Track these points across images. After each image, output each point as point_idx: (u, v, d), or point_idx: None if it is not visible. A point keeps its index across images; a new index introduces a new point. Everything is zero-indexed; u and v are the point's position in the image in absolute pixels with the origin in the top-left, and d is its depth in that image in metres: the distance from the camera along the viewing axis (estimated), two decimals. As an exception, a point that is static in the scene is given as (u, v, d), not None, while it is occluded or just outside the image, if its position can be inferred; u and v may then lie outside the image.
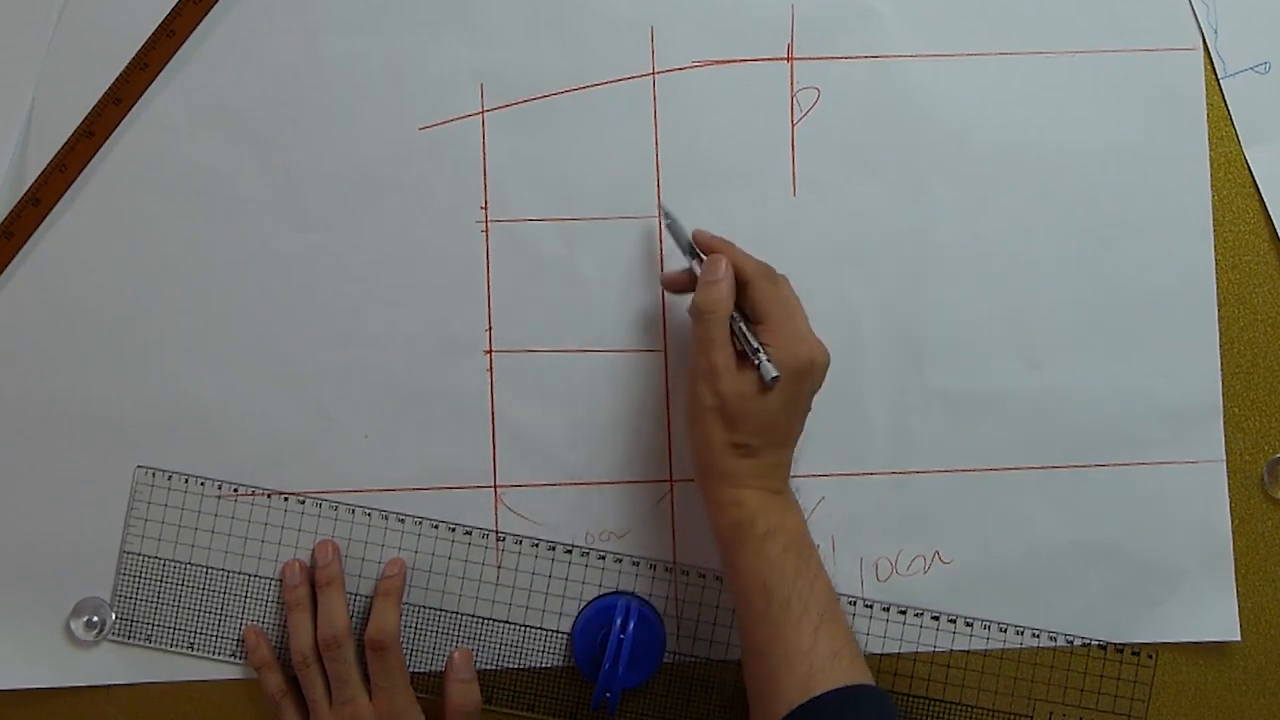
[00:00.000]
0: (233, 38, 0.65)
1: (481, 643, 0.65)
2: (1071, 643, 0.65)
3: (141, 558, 0.64)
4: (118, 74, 0.64)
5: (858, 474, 0.65)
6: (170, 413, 0.64)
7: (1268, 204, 0.67)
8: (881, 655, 0.65)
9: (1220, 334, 0.66)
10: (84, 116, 0.64)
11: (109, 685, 0.64)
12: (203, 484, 0.64)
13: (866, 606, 0.65)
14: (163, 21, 0.64)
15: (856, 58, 0.66)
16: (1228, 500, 0.66)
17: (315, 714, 0.62)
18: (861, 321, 0.65)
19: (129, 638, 0.64)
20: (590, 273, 0.65)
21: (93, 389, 0.64)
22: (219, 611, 0.64)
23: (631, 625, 0.62)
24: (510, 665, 0.65)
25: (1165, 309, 0.66)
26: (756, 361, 0.56)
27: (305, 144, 0.65)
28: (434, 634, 0.64)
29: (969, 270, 0.66)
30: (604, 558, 0.64)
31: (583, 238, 0.65)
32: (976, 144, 0.66)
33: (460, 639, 0.64)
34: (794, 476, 0.65)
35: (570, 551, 0.64)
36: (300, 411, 0.64)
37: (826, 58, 0.66)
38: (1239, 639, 0.65)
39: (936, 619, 0.65)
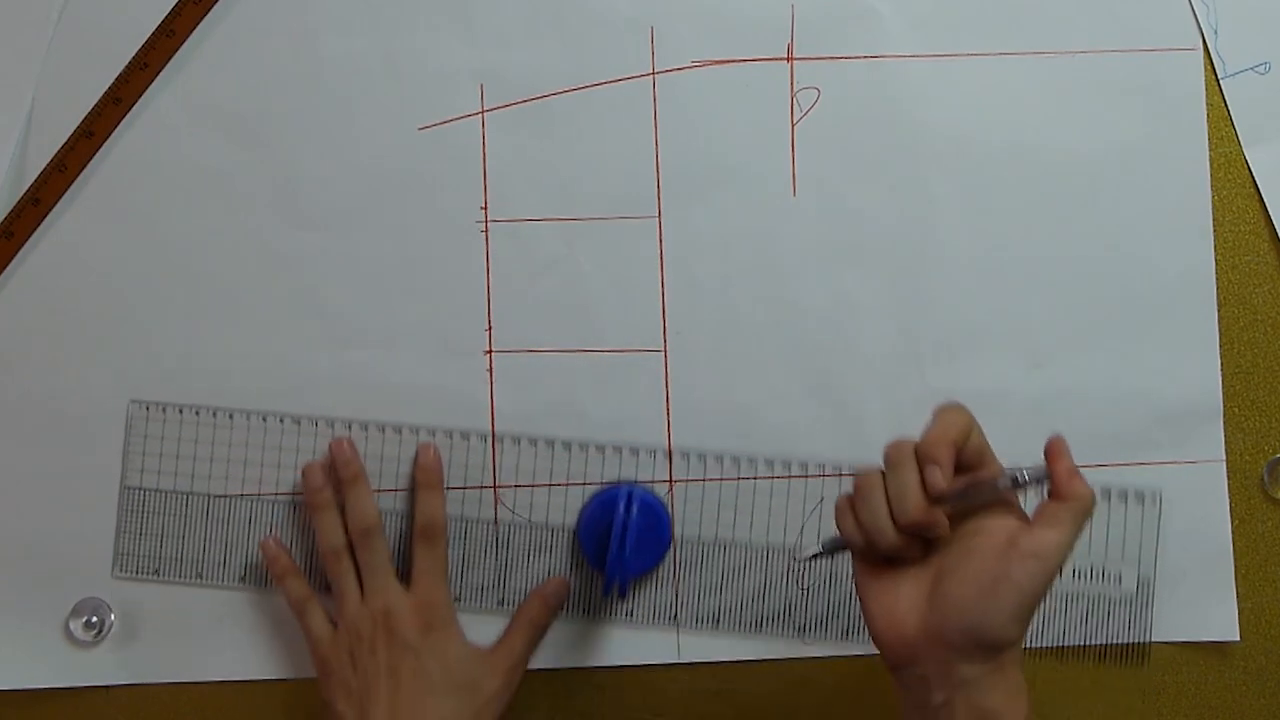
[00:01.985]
0: (233, 38, 0.65)
1: (487, 547, 0.64)
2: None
3: (142, 492, 0.64)
4: (118, 74, 0.64)
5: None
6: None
7: (1268, 204, 0.67)
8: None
9: (1220, 334, 0.66)
10: (84, 116, 0.64)
11: (109, 685, 0.64)
12: (198, 413, 0.64)
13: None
14: (163, 21, 0.64)
15: (856, 58, 0.66)
16: (1228, 500, 0.66)
17: (345, 607, 0.61)
18: (861, 321, 0.65)
19: (136, 573, 0.64)
20: (590, 273, 0.65)
21: (93, 389, 0.64)
22: (224, 538, 0.64)
23: (635, 509, 0.61)
24: (518, 566, 0.64)
25: (1165, 309, 0.66)
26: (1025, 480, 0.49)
27: (305, 144, 0.65)
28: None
29: (969, 270, 0.66)
30: (602, 450, 0.64)
31: (583, 238, 0.65)
32: (976, 144, 0.66)
33: (465, 544, 0.64)
34: (790, 477, 0.65)
35: (569, 448, 0.64)
36: (299, 412, 0.65)
37: (826, 58, 0.66)
38: (1238, 639, 0.65)
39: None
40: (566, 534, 0.65)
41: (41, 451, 0.64)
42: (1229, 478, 0.66)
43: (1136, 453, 0.66)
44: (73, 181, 0.64)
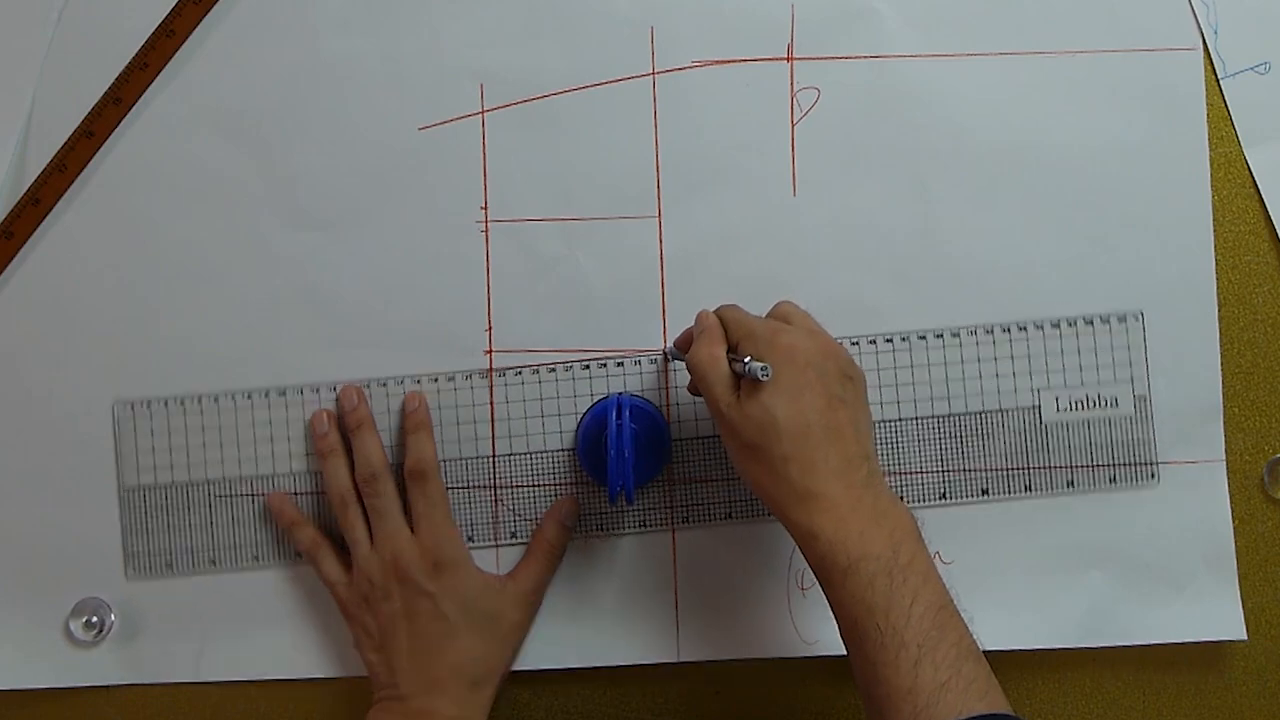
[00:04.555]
0: (233, 38, 0.65)
1: (490, 481, 0.64)
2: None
3: (142, 490, 0.64)
4: (118, 74, 0.64)
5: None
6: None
7: (1268, 204, 0.67)
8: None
9: (1220, 334, 0.66)
10: (84, 116, 0.64)
11: (109, 686, 0.64)
12: (183, 403, 0.64)
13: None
14: (163, 21, 0.64)
15: (856, 58, 0.66)
16: (1228, 500, 0.66)
17: (357, 554, 0.61)
18: (861, 321, 0.65)
19: (148, 572, 0.64)
20: (590, 273, 0.65)
21: (92, 389, 0.64)
22: (231, 522, 0.64)
23: (627, 413, 0.61)
24: (523, 490, 0.65)
25: (1165, 309, 0.66)
26: (743, 365, 0.53)
27: (305, 144, 0.65)
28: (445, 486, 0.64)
29: (968, 270, 0.66)
30: (604, 366, 0.65)
31: (583, 238, 0.65)
32: (976, 144, 0.66)
33: (468, 483, 0.64)
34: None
35: (554, 370, 0.64)
36: (299, 414, 0.65)
37: (826, 58, 0.66)
38: (1245, 639, 0.65)
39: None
40: (567, 456, 0.65)
41: (42, 451, 0.64)
42: (1229, 478, 0.66)
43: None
44: (73, 181, 0.64)
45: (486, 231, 0.65)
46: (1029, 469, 0.65)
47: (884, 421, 0.65)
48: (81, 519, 0.64)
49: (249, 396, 0.64)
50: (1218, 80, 0.66)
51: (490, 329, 0.65)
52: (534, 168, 0.65)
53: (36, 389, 0.64)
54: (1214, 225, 0.66)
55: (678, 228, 0.65)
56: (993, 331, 0.65)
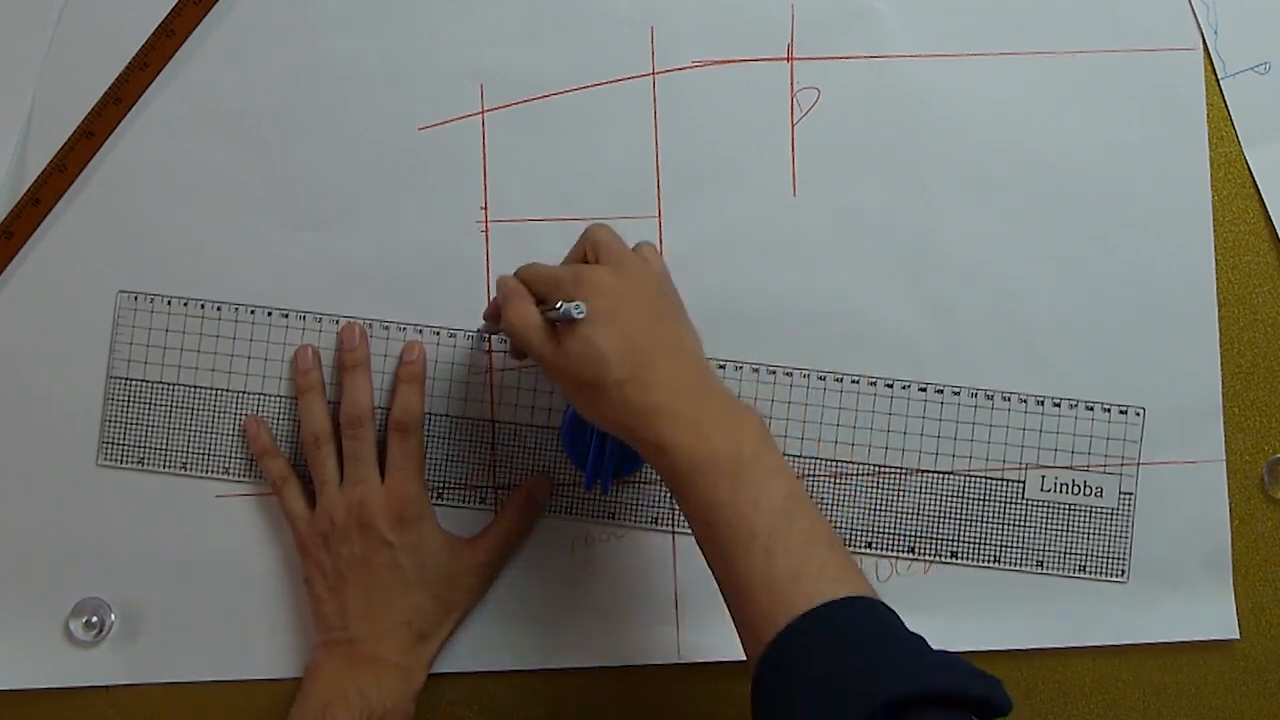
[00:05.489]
0: (233, 38, 0.65)
1: (475, 444, 0.65)
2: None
3: (128, 382, 0.64)
4: (118, 74, 0.64)
5: (858, 474, 0.65)
6: (170, 413, 0.64)
7: (1268, 204, 0.67)
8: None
9: (1220, 334, 0.66)
10: (84, 116, 0.64)
11: (109, 685, 0.64)
12: (185, 304, 0.64)
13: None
14: (163, 21, 0.64)
15: (856, 58, 0.66)
16: (1228, 500, 0.66)
17: (323, 493, 0.62)
18: (861, 320, 0.65)
19: (120, 462, 0.64)
20: (590, 273, 0.65)
21: (92, 389, 0.64)
22: (209, 430, 0.64)
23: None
24: (505, 467, 0.65)
25: (1165, 309, 0.66)
26: (556, 315, 0.52)
27: (305, 144, 0.65)
28: (432, 440, 0.64)
29: (968, 270, 0.66)
30: None
31: (583, 238, 0.65)
32: (976, 144, 0.66)
33: (454, 442, 0.65)
34: (802, 471, 0.65)
35: None
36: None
37: (826, 58, 0.66)
38: (1238, 637, 0.65)
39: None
40: (553, 433, 0.65)
41: (42, 451, 0.64)
42: (1229, 478, 0.66)
43: (1136, 452, 0.66)
44: (73, 181, 0.64)
45: (486, 231, 0.65)
46: (1003, 541, 0.65)
47: (867, 465, 0.65)
48: (81, 519, 0.64)
49: (251, 311, 0.64)
50: (1218, 80, 0.66)
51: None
52: (534, 168, 0.65)
53: (35, 389, 0.64)
54: (1214, 225, 0.66)
55: (678, 228, 0.65)
56: (993, 398, 0.65)
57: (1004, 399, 0.65)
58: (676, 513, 0.65)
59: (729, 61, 0.66)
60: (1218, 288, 0.66)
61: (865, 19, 0.66)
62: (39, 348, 0.64)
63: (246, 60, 0.65)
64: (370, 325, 0.64)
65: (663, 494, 0.65)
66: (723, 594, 0.51)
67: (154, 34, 0.64)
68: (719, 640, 0.65)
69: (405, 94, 0.65)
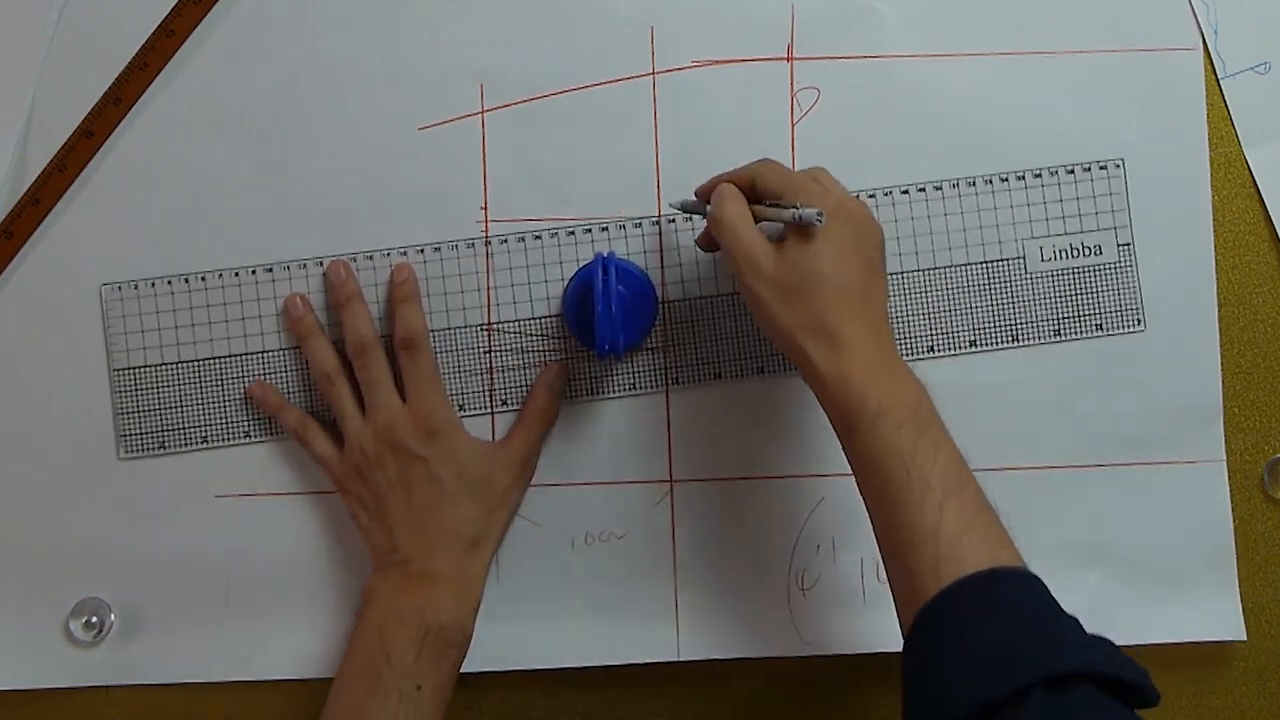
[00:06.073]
0: (233, 38, 0.65)
1: (481, 349, 0.65)
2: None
3: (132, 371, 0.64)
4: (118, 74, 0.64)
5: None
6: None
7: (1268, 204, 0.67)
8: (890, 654, 0.65)
9: (1220, 334, 0.66)
10: (84, 116, 0.64)
11: (109, 685, 0.64)
12: (170, 282, 0.64)
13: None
14: (163, 21, 0.64)
15: (856, 58, 0.66)
16: (1228, 500, 0.66)
17: (349, 427, 0.62)
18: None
19: (142, 451, 0.64)
20: (590, 272, 0.65)
21: (92, 389, 0.64)
22: (221, 400, 0.64)
23: (614, 271, 0.60)
24: (511, 364, 0.65)
25: (1165, 309, 0.66)
26: (794, 213, 0.53)
27: (305, 144, 0.65)
28: (438, 356, 0.64)
29: (969, 269, 0.66)
30: (589, 230, 0.65)
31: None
32: (976, 144, 0.66)
33: (461, 353, 0.65)
34: (794, 476, 0.65)
35: (539, 238, 0.65)
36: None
37: (826, 58, 0.66)
38: (1244, 638, 0.65)
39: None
40: (557, 322, 0.65)
41: (41, 451, 0.64)
42: (1229, 478, 0.66)
43: (1136, 453, 0.66)
44: (73, 181, 0.64)
45: (486, 231, 0.65)
46: (1016, 320, 0.65)
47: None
48: (81, 519, 0.64)
49: (236, 274, 0.64)
50: (1218, 80, 0.67)
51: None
52: (534, 168, 0.65)
53: (35, 389, 0.64)
54: (1214, 225, 0.66)
55: (678, 228, 0.65)
56: (975, 184, 0.65)
57: (985, 182, 0.65)
58: (667, 374, 0.65)
59: (729, 61, 0.66)
60: (1218, 288, 0.66)
61: (865, 19, 0.66)
62: (39, 347, 0.64)
63: (246, 60, 0.65)
64: (354, 259, 0.64)
65: (654, 356, 0.65)
66: (879, 541, 0.52)
67: (154, 34, 0.64)
68: (719, 640, 0.65)
69: (405, 94, 0.65)
